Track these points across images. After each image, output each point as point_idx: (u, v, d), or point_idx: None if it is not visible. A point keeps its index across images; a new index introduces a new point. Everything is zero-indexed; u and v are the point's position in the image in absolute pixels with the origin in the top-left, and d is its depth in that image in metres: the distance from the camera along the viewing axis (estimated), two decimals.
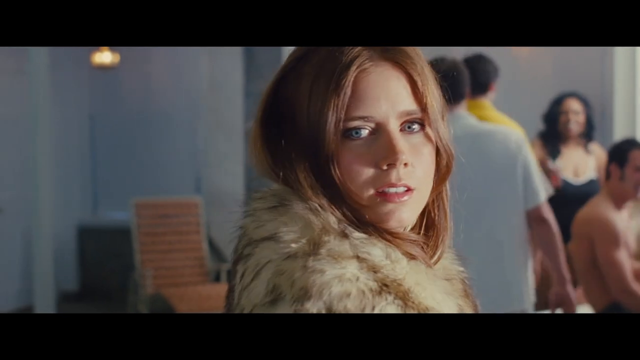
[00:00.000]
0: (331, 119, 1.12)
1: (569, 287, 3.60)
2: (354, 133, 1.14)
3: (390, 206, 1.13)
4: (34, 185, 6.38)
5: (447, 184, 1.24)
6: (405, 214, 1.14)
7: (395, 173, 1.12)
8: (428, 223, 1.22)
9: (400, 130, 1.15)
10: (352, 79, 1.13)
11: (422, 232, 1.22)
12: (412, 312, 1.06)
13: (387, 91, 1.14)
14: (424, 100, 1.15)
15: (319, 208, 1.12)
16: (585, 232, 4.22)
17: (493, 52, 4.58)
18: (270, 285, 1.07)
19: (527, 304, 3.54)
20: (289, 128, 1.18)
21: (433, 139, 1.17)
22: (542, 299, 3.85)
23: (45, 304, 6.41)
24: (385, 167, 1.12)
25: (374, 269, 1.08)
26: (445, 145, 1.18)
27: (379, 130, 1.14)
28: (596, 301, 4.23)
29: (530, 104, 5.99)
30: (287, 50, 1.23)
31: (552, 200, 5.13)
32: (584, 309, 4.41)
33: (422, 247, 1.18)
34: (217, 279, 6.61)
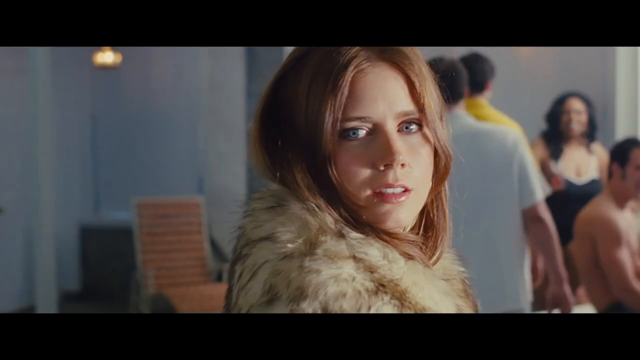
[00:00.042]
0: (328, 119, 1.12)
1: (566, 287, 3.60)
2: (351, 133, 1.13)
3: (387, 207, 1.13)
4: (36, 185, 6.38)
5: (446, 185, 1.23)
6: (402, 214, 1.14)
7: (393, 174, 1.12)
8: (427, 223, 1.22)
9: (398, 130, 1.15)
10: (350, 79, 1.13)
11: (421, 232, 1.22)
12: (408, 312, 1.06)
13: (384, 92, 1.14)
14: (422, 101, 1.15)
15: (316, 208, 1.12)
16: (587, 232, 4.22)
17: (494, 52, 4.58)
18: (267, 285, 1.07)
19: (523, 302, 3.54)
20: (287, 128, 1.18)
21: (431, 139, 1.17)
22: (542, 298, 3.85)
23: (47, 304, 6.41)
24: (382, 168, 1.12)
25: (370, 269, 1.08)
26: (443, 146, 1.18)
27: (376, 130, 1.14)
28: (598, 301, 4.23)
29: (532, 104, 6.00)
30: (289, 51, 1.23)
31: (554, 200, 5.15)
32: (586, 308, 4.41)
33: (421, 248, 1.18)
34: (218, 279, 6.61)
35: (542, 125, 5.56)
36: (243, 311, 1.09)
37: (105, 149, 8.11)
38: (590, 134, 5.47)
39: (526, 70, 6.53)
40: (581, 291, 4.78)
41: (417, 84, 1.15)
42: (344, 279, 1.05)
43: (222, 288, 6.27)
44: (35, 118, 6.31)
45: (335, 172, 1.13)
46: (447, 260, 1.25)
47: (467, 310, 1.19)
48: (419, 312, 1.07)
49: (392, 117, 1.14)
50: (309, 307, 1.03)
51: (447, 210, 1.24)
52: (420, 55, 1.18)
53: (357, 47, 1.15)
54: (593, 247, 4.20)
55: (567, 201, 5.16)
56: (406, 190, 1.14)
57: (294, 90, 1.17)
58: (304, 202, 1.13)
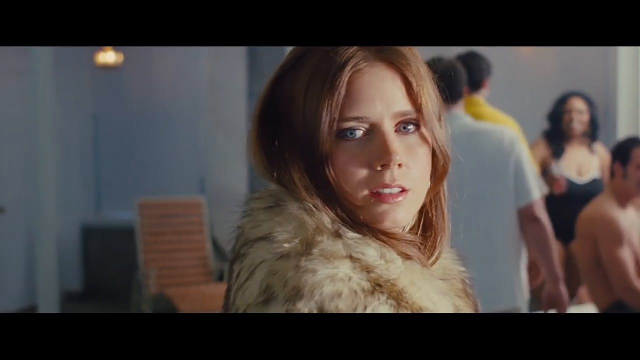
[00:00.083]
0: (325, 119, 1.12)
1: (562, 287, 3.60)
2: (348, 134, 1.13)
3: (384, 207, 1.13)
4: (38, 185, 6.39)
5: (445, 185, 1.23)
6: (400, 214, 1.14)
7: (390, 174, 1.12)
8: (426, 224, 1.22)
9: (396, 131, 1.14)
10: (347, 79, 1.13)
11: (420, 232, 1.21)
12: (405, 312, 1.06)
13: (381, 92, 1.14)
14: (419, 101, 1.15)
15: (314, 208, 1.12)
16: (589, 232, 4.22)
17: (496, 53, 4.58)
18: (264, 285, 1.07)
19: (520, 302, 3.54)
20: (286, 128, 1.18)
21: (429, 140, 1.17)
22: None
23: (49, 304, 6.41)
24: (379, 168, 1.12)
25: (367, 269, 1.08)
26: (441, 146, 1.18)
27: (374, 131, 1.13)
28: (600, 300, 4.23)
29: (533, 104, 6.00)
30: (290, 50, 1.23)
31: (556, 200, 5.15)
32: (588, 308, 4.42)
33: (420, 248, 1.18)
34: (220, 278, 6.61)
35: (543, 125, 5.56)
36: (240, 311, 1.09)
37: (107, 149, 8.11)
38: (592, 134, 5.47)
39: (528, 71, 6.53)
40: (583, 291, 4.79)
41: (414, 85, 1.15)
42: (340, 279, 1.05)
43: (224, 288, 6.20)
44: (37, 118, 6.32)
45: (332, 172, 1.13)
46: (447, 261, 1.25)
47: (466, 310, 1.19)
48: (416, 312, 1.07)
49: (389, 118, 1.14)
50: (305, 307, 1.03)
51: (446, 211, 1.24)
52: (418, 56, 1.18)
53: (355, 48, 1.15)
54: (595, 246, 4.20)
55: (569, 201, 5.17)
56: (404, 190, 1.13)
57: (293, 90, 1.17)
58: (301, 202, 1.13)
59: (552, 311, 3.65)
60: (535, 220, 3.51)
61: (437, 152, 1.18)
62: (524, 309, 3.59)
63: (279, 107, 1.19)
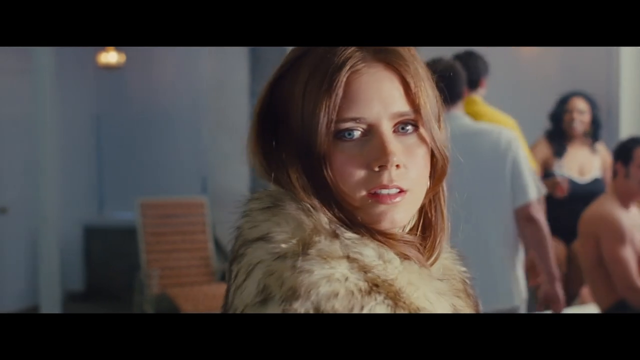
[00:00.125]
0: (323, 119, 1.12)
1: (558, 287, 3.61)
2: (346, 134, 1.13)
3: (382, 207, 1.13)
4: (40, 185, 6.39)
5: (444, 185, 1.23)
6: (398, 215, 1.14)
7: (387, 174, 1.12)
8: (425, 224, 1.22)
9: (394, 131, 1.14)
10: (344, 80, 1.13)
11: (419, 233, 1.21)
12: (402, 312, 1.06)
13: (379, 92, 1.14)
14: (417, 102, 1.15)
15: (311, 209, 1.13)
16: (591, 231, 4.22)
17: (497, 53, 4.58)
18: (261, 285, 1.07)
19: (517, 301, 3.54)
20: (284, 128, 1.18)
21: (427, 140, 1.16)
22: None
23: (51, 304, 6.42)
24: (377, 169, 1.12)
25: (364, 269, 1.08)
26: (439, 147, 1.18)
27: (371, 131, 1.13)
28: (602, 300, 4.23)
29: (535, 104, 6.00)
30: None
31: (557, 200, 5.15)
32: (591, 308, 4.41)
33: (418, 248, 1.18)
34: (222, 278, 6.61)
35: (545, 125, 5.56)
36: (238, 311, 1.10)
37: (109, 149, 8.12)
38: (593, 134, 5.47)
39: (530, 71, 6.53)
40: (585, 290, 4.78)
41: (412, 85, 1.15)
42: (337, 279, 1.05)
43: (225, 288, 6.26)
44: (39, 118, 6.32)
45: (330, 172, 1.13)
46: (448, 260, 1.25)
47: (464, 310, 1.19)
48: (413, 312, 1.07)
49: (387, 118, 1.13)
50: (301, 307, 1.03)
51: (445, 211, 1.23)
52: (417, 56, 1.18)
53: (353, 48, 1.15)
54: (597, 246, 4.20)
55: (570, 200, 5.17)
56: (401, 191, 1.13)
57: (291, 91, 1.17)
58: (299, 202, 1.13)
59: (548, 311, 3.66)
60: (531, 220, 3.52)
61: (436, 152, 1.18)
62: (522, 308, 3.60)
63: (277, 108, 1.19)
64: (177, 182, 7.72)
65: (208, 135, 7.12)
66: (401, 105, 1.14)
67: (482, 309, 1.31)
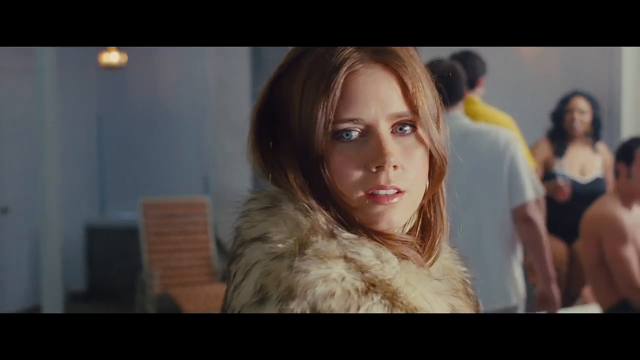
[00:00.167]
0: (320, 120, 1.12)
1: (554, 287, 3.61)
2: (344, 135, 1.13)
3: (379, 208, 1.13)
4: (42, 185, 6.39)
5: (443, 186, 1.23)
6: (395, 215, 1.14)
7: (385, 175, 1.12)
8: (424, 224, 1.22)
9: (392, 132, 1.14)
10: (342, 80, 1.13)
11: (418, 233, 1.21)
12: (399, 312, 1.06)
13: (376, 93, 1.13)
14: (415, 102, 1.15)
15: (309, 209, 1.13)
16: (593, 231, 4.22)
17: (499, 53, 4.58)
18: (258, 285, 1.07)
19: (514, 300, 3.55)
20: (282, 128, 1.18)
21: (425, 141, 1.16)
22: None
23: (52, 304, 6.42)
24: (374, 170, 1.12)
25: (362, 269, 1.08)
26: (437, 147, 1.17)
27: (369, 132, 1.13)
28: (604, 299, 4.23)
29: (537, 103, 5.99)
30: None
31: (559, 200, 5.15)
32: (593, 308, 4.41)
33: (417, 249, 1.18)
34: (224, 278, 6.60)
35: (546, 125, 5.56)
36: (236, 311, 1.10)
37: (111, 148, 8.12)
38: (594, 133, 5.47)
39: (530, 71, 6.52)
40: (587, 290, 4.78)
41: (410, 86, 1.15)
42: (333, 279, 1.05)
43: None
44: (41, 118, 6.32)
45: (327, 173, 1.13)
46: (448, 261, 1.25)
47: (463, 310, 1.18)
48: (410, 311, 1.07)
49: (384, 119, 1.13)
50: (297, 307, 1.03)
51: (444, 212, 1.23)
52: (416, 56, 1.18)
53: (351, 48, 1.15)
54: (599, 245, 4.20)
55: (571, 200, 5.18)
56: (399, 191, 1.13)
57: (289, 91, 1.17)
58: (297, 202, 1.13)
59: (543, 311, 3.66)
60: (528, 220, 3.52)
61: (434, 153, 1.18)
62: (521, 308, 3.60)
63: (276, 107, 1.19)
64: (179, 182, 7.72)
65: (210, 135, 7.13)
66: (399, 106, 1.14)
67: (483, 309, 1.31)
